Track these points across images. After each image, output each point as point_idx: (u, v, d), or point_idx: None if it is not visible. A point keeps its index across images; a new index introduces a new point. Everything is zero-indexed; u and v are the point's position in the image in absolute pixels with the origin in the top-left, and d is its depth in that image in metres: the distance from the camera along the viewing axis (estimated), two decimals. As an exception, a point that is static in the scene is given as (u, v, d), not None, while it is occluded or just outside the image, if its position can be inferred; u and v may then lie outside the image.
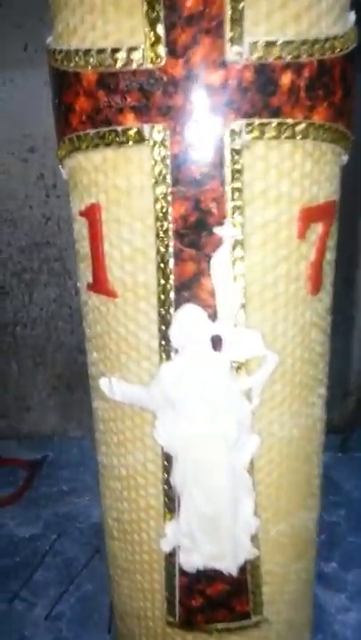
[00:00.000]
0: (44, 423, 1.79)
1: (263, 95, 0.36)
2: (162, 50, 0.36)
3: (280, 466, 0.47)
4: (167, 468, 0.45)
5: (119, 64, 0.37)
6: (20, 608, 1.32)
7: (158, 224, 0.39)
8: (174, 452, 0.44)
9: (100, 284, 0.43)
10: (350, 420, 1.69)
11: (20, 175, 1.43)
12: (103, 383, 0.46)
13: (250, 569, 0.48)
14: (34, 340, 1.66)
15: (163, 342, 0.42)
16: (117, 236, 0.41)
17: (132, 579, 0.52)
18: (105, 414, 0.48)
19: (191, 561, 0.46)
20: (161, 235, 0.39)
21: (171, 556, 0.48)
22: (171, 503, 0.46)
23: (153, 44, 0.36)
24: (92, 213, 0.41)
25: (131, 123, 0.37)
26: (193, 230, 0.39)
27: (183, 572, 0.48)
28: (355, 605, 1.24)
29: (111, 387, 0.45)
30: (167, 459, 0.45)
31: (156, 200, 0.38)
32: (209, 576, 0.47)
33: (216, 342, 0.41)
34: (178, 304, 0.40)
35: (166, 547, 0.47)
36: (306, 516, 0.51)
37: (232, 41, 0.35)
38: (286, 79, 0.36)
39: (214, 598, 0.48)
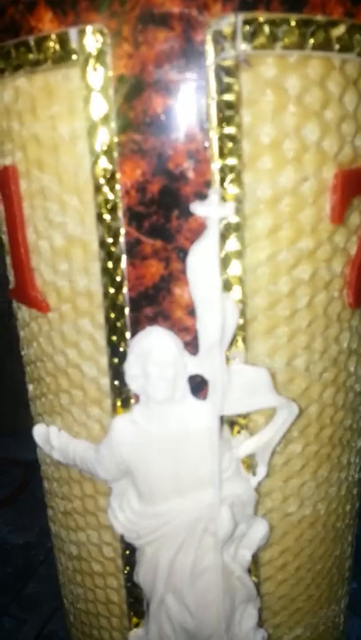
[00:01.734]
0: (43, 419, 1.67)
1: (274, -30, 0.21)
2: None
3: (298, 556, 0.32)
4: (130, 560, 0.31)
5: None
6: (7, 626, 1.21)
7: (101, 198, 0.23)
8: (139, 544, 0.29)
9: (24, 290, 0.28)
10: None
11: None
12: (38, 431, 0.31)
13: None
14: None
15: (115, 382, 0.27)
16: (44, 217, 0.26)
17: None
18: (48, 471, 0.34)
19: None
20: (105, 216, 0.24)
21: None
22: (137, 605, 0.32)
23: None
24: (5, 182, 0.26)
25: (48, 27, 0.22)
26: (156, 208, 0.23)
27: None
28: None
29: (48, 438, 0.31)
30: (130, 547, 0.30)
31: (96, 158, 0.23)
32: None
33: (198, 387, 0.26)
34: (136, 326, 0.25)
35: (131, 664, 0.32)
36: (334, 610, 0.36)
37: None
38: None
39: None
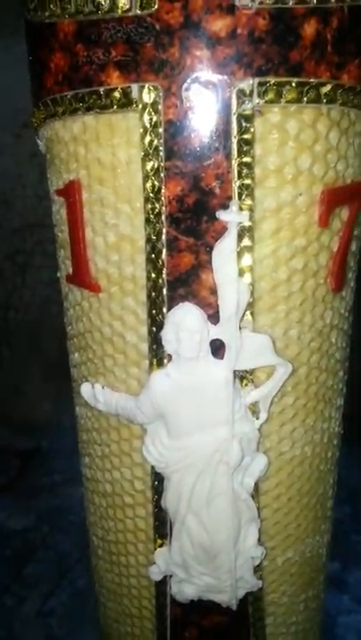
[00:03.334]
0: (38, 411, 1.74)
1: (281, 48, 0.29)
2: (155, -9, 0.29)
3: (290, 488, 0.40)
4: (158, 489, 0.39)
5: (102, 11, 0.30)
6: (9, 603, 1.28)
7: (149, 206, 0.32)
8: (167, 473, 0.37)
9: (80, 276, 0.36)
10: (355, 410, 1.64)
11: (12, 152, 1.36)
12: (85, 389, 0.40)
13: (252, 600, 0.42)
14: (27, 326, 1.60)
15: (154, 346, 0.35)
16: (101, 220, 0.34)
17: (119, 602, 0.46)
18: (88, 423, 0.42)
19: (184, 592, 0.40)
20: (152, 219, 0.32)
21: (162, 584, 0.42)
22: (162, 528, 0.40)
23: (144, -16, 0.29)
24: (70, 193, 0.34)
25: (115, 82, 0.30)
26: (191, 214, 0.32)
27: (175, 602, 0.42)
28: (357, 607, 1.20)
29: (94, 394, 0.39)
30: (158, 479, 0.39)
31: (147, 177, 0.31)
32: (205, 606, 0.42)
33: (217, 348, 0.34)
34: (172, 302, 0.34)
35: (156, 575, 0.41)
36: (318, 541, 0.45)
37: (243, -22, 0.28)
38: (310, 29, 0.29)
39: (210, 630, 0.43)
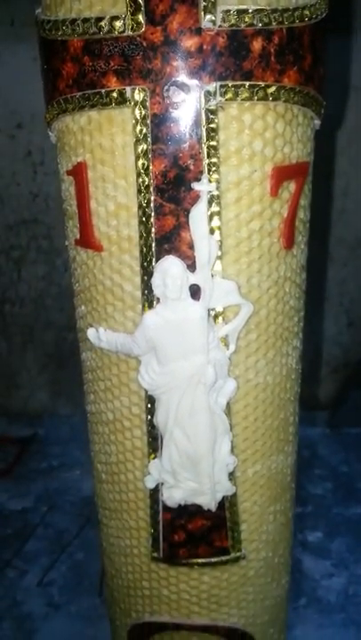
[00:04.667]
0: (34, 401, 1.83)
1: (236, 59, 0.39)
2: (141, 18, 0.39)
3: (256, 410, 0.50)
4: (151, 411, 0.49)
5: (103, 32, 0.40)
6: (12, 575, 1.36)
7: (140, 180, 0.42)
8: (157, 394, 0.47)
9: (87, 239, 0.46)
10: (338, 398, 1.74)
11: (7, 152, 1.45)
12: (91, 333, 0.49)
13: (228, 506, 0.52)
14: (23, 319, 1.69)
15: (145, 292, 0.45)
16: (103, 192, 0.44)
17: (120, 518, 0.55)
18: (93, 363, 0.52)
19: (173, 496, 0.50)
20: (142, 190, 0.42)
21: (154, 493, 0.51)
22: (154, 443, 0.50)
23: (133, 13, 0.39)
24: (78, 172, 0.44)
25: (113, 85, 0.40)
26: (172, 186, 0.42)
27: (166, 508, 0.51)
28: (338, 571, 1.30)
29: (98, 336, 0.49)
30: (150, 401, 0.48)
31: (138, 158, 0.41)
32: (190, 512, 0.51)
33: (195, 291, 0.44)
34: (159, 256, 0.44)
35: (150, 484, 0.50)
36: (282, 460, 0.55)
37: (205, 10, 0.38)
38: (257, 45, 0.39)
39: (195, 533, 0.52)
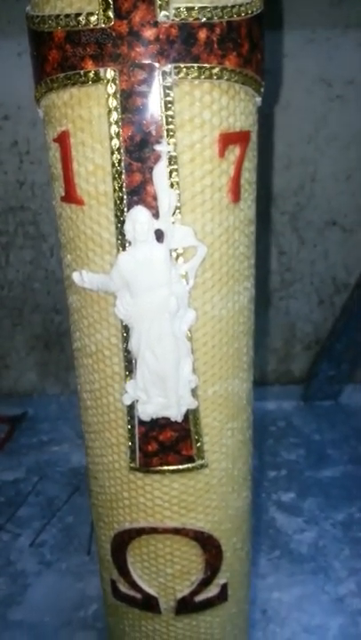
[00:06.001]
0: (24, 381, 1.92)
1: (186, 46, 0.50)
2: (111, 14, 0.49)
3: (213, 338, 0.61)
4: (126, 339, 0.59)
5: (81, 25, 0.50)
6: (5, 538, 1.46)
7: (112, 144, 0.52)
8: (131, 323, 0.58)
9: (70, 196, 0.56)
10: (310, 372, 1.86)
11: (-7, 142, 1.54)
12: (75, 276, 0.59)
13: (192, 419, 0.62)
14: (11, 302, 1.78)
15: (119, 237, 0.55)
16: (83, 155, 0.54)
17: (102, 437, 0.66)
18: (78, 304, 0.62)
19: (146, 411, 0.60)
20: (115, 152, 0.52)
21: (131, 410, 0.62)
22: (130, 366, 0.60)
23: (105, 10, 0.49)
24: (63, 139, 0.54)
25: (90, 67, 0.51)
26: (138, 148, 0.52)
27: (141, 422, 0.62)
28: (309, 527, 1.42)
29: (82, 277, 0.59)
30: (126, 331, 0.59)
31: (110, 125, 0.52)
32: (161, 424, 0.62)
33: (159, 235, 0.55)
34: (129, 206, 0.54)
35: (127, 401, 0.61)
36: (237, 384, 0.65)
37: (161, 7, 0.48)
38: (203, 35, 0.50)
39: (165, 443, 0.63)
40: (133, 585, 0.71)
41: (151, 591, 0.71)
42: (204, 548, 0.69)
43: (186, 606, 0.72)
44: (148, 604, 0.72)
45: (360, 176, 1.64)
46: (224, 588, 0.72)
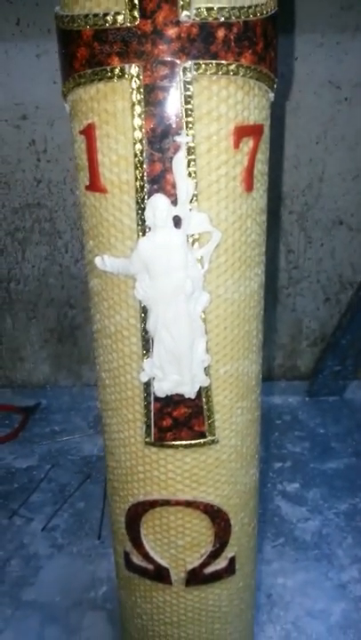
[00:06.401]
0: (37, 373, 1.97)
1: (205, 44, 0.54)
2: (137, 13, 0.53)
3: (225, 320, 0.65)
4: (144, 320, 0.63)
5: (108, 24, 0.54)
6: (19, 522, 1.51)
7: (135, 135, 0.56)
8: (149, 305, 0.61)
9: (95, 185, 0.60)
10: (316, 368, 1.89)
11: (12, 141, 1.59)
12: (98, 260, 0.63)
13: (204, 397, 0.66)
14: (27, 296, 1.83)
15: (139, 224, 0.59)
16: (107, 146, 0.58)
17: (120, 414, 0.70)
18: (98, 287, 0.66)
19: (162, 388, 0.64)
20: (137, 143, 0.56)
21: (147, 387, 0.65)
22: (147, 345, 0.64)
23: (131, 10, 0.53)
24: (88, 131, 0.58)
25: (116, 63, 0.55)
26: (160, 139, 0.56)
27: (157, 399, 0.66)
28: (313, 516, 1.46)
29: (103, 262, 0.63)
30: (144, 312, 0.63)
31: (133, 118, 0.56)
32: (175, 401, 0.66)
33: (177, 221, 0.58)
34: (150, 194, 0.58)
35: (144, 378, 0.65)
36: (247, 365, 0.69)
37: (183, 7, 0.52)
38: (221, 33, 0.54)
39: (179, 419, 0.67)
40: (146, 556, 0.75)
41: (163, 562, 0.75)
42: (213, 522, 0.72)
43: (196, 578, 0.75)
44: (160, 574, 0.76)
45: (367, 176, 1.68)
46: (232, 561, 0.76)
